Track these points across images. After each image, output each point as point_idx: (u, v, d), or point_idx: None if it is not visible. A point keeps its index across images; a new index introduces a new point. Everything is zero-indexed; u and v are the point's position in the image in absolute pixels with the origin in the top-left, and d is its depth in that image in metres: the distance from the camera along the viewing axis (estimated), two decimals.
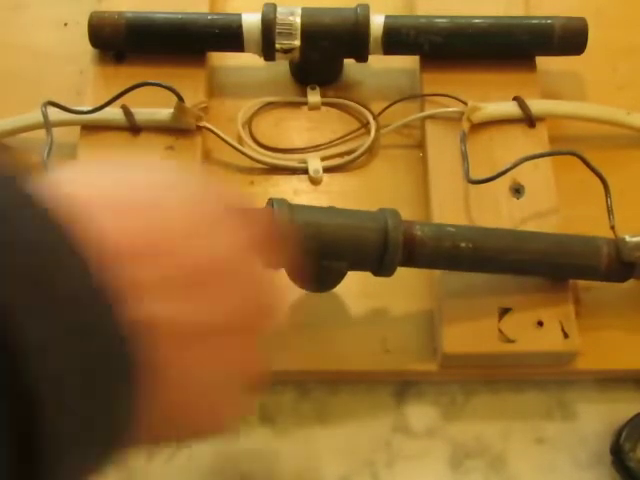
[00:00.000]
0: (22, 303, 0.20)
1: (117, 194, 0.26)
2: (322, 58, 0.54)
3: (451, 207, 0.49)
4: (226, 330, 0.27)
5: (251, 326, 0.29)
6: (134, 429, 0.24)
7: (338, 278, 0.44)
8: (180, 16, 0.54)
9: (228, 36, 0.54)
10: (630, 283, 0.46)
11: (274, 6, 0.53)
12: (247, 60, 0.56)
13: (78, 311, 0.21)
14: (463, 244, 0.44)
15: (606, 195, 0.46)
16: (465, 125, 0.51)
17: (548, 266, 0.45)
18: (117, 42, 0.54)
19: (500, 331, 0.45)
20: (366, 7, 0.53)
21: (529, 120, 0.52)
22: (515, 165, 0.47)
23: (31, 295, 0.20)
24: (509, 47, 0.54)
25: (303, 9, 0.53)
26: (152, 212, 0.26)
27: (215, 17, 0.55)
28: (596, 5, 0.57)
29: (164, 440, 0.28)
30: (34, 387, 0.20)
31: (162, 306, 0.25)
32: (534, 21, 0.54)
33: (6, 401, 0.20)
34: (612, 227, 0.45)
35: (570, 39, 0.53)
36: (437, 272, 0.47)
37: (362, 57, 0.54)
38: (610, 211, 0.46)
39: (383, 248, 0.43)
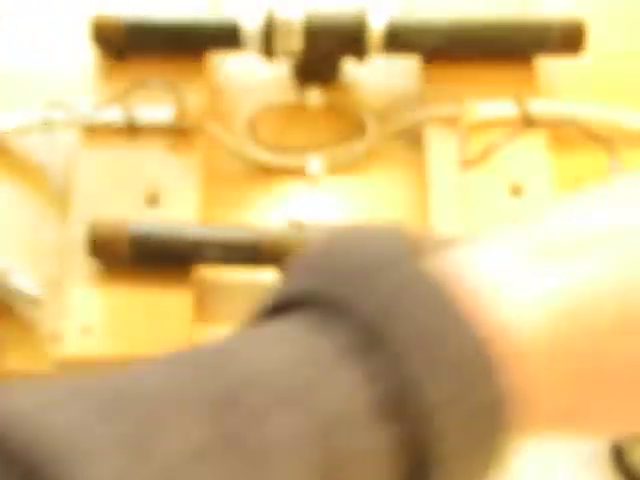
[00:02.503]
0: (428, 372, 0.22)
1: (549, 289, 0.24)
2: (322, 58, 0.54)
3: (451, 207, 0.49)
4: None
5: None
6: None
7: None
8: (180, 16, 0.54)
9: (228, 36, 0.54)
10: None
11: (274, 6, 0.53)
12: (247, 60, 0.56)
13: (480, 397, 0.23)
14: None
15: (612, 157, 0.46)
16: (464, 125, 0.51)
17: None
18: (117, 42, 0.54)
19: None
20: (366, 7, 0.53)
21: (528, 120, 0.52)
22: (508, 141, 0.47)
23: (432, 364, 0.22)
24: (509, 47, 0.54)
25: (303, 9, 0.53)
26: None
27: (215, 17, 0.55)
28: (596, 5, 0.56)
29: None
30: (439, 446, 0.22)
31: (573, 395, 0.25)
32: (534, 21, 0.54)
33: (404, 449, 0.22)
34: None
35: (570, 39, 0.53)
36: None
37: (362, 57, 0.54)
38: (616, 172, 0.46)
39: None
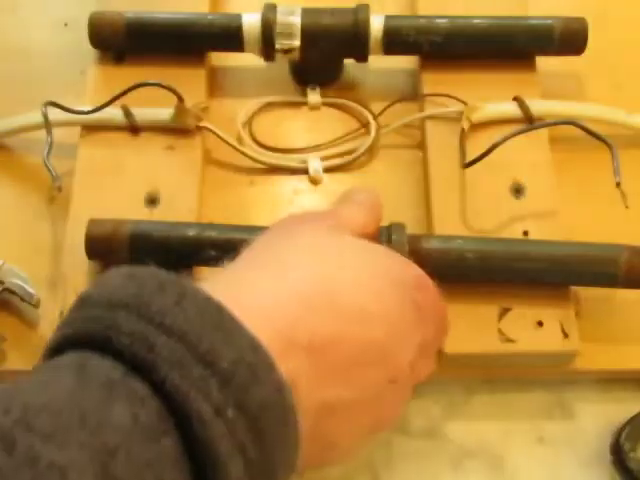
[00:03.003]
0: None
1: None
2: (322, 58, 0.54)
3: (451, 207, 0.49)
4: (373, 400, 0.33)
5: (401, 389, 0.35)
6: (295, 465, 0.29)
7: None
8: (180, 16, 0.54)
9: (228, 36, 0.54)
10: None
11: (274, 6, 0.53)
12: (247, 60, 0.56)
13: (254, 401, 0.26)
14: (470, 255, 0.44)
15: (612, 156, 0.46)
16: (465, 125, 0.51)
17: (558, 273, 0.45)
18: (117, 42, 0.54)
19: (500, 331, 0.45)
20: (366, 7, 0.53)
21: (529, 120, 0.52)
22: (504, 140, 0.47)
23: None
24: (509, 47, 0.54)
25: (303, 9, 0.53)
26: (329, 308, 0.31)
27: (215, 17, 0.55)
28: (596, 5, 0.56)
29: (303, 469, 0.32)
30: (214, 448, 0.25)
31: (325, 390, 0.31)
32: (534, 21, 0.54)
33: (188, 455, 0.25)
34: (618, 183, 0.45)
35: (570, 39, 0.53)
36: None
37: (362, 57, 0.54)
38: (617, 171, 0.46)
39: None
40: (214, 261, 0.46)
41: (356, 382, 0.32)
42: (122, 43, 0.54)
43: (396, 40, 0.53)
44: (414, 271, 0.36)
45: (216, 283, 0.31)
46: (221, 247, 0.45)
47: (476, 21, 0.53)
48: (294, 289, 0.31)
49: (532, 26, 0.53)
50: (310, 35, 0.53)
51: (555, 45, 0.53)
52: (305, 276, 0.32)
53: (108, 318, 0.27)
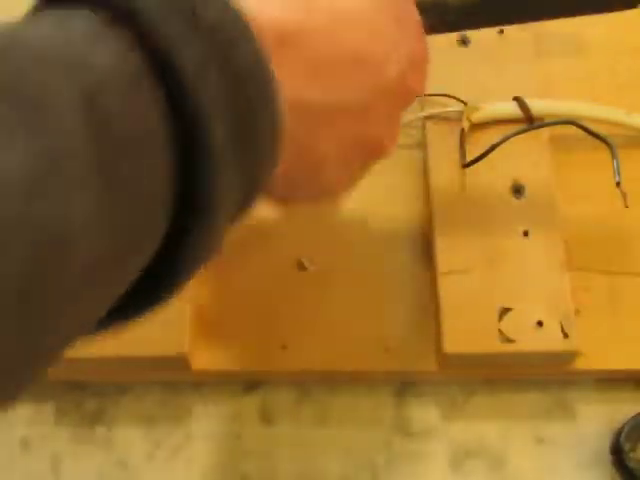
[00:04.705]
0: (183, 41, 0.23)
1: None
2: None
3: (451, 207, 0.49)
4: (357, 110, 0.31)
5: (392, 104, 0.33)
6: (268, 178, 0.27)
7: None
8: None
9: None
10: (630, 281, 0.46)
11: None
12: None
13: (238, 58, 0.25)
14: None
15: (612, 156, 0.46)
16: (465, 125, 0.51)
17: None
18: None
19: (500, 331, 0.45)
20: None
21: (529, 120, 0.52)
22: (504, 140, 0.48)
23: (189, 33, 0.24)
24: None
25: None
26: None
27: None
28: None
29: (287, 200, 0.30)
30: (196, 100, 0.23)
31: (298, 88, 0.28)
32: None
33: (171, 114, 0.23)
34: (618, 183, 0.45)
35: None
36: (437, 272, 0.47)
37: None
38: (617, 171, 0.46)
39: None
40: None
41: (333, 85, 0.30)
42: None
43: None
44: None
45: None
46: None
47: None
48: None
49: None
50: None
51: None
52: None
53: None
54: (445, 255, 0.47)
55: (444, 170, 0.51)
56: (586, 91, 0.56)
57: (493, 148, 0.48)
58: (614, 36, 0.54)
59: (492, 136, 0.49)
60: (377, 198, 0.52)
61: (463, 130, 0.51)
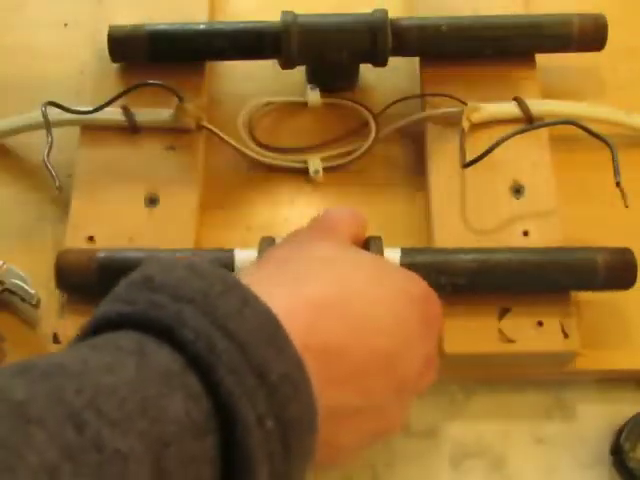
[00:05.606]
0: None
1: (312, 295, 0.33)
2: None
3: (451, 207, 0.49)
4: (379, 409, 0.34)
5: (408, 397, 0.36)
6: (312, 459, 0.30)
7: (341, 70, 0.53)
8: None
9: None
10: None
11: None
12: (247, 60, 0.56)
13: (293, 412, 0.28)
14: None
15: (612, 156, 0.46)
16: (465, 125, 0.51)
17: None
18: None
19: (500, 331, 0.45)
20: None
21: (529, 120, 0.52)
22: (504, 139, 0.48)
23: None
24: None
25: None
26: (343, 312, 0.33)
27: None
28: (596, 5, 0.56)
29: (317, 466, 0.33)
30: (250, 452, 0.27)
31: (334, 396, 0.32)
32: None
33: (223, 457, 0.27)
34: (617, 183, 0.45)
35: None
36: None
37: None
38: (617, 171, 0.46)
39: (374, 34, 0.50)
40: None
41: (363, 390, 0.33)
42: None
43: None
44: (422, 285, 0.37)
45: None
46: None
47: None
48: (309, 299, 0.32)
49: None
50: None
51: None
52: (319, 287, 0.33)
53: (173, 309, 0.28)
54: None
55: (444, 170, 0.51)
56: (586, 91, 0.56)
57: (493, 148, 0.48)
58: (614, 36, 0.54)
59: (492, 136, 0.49)
60: (377, 198, 0.52)
61: (463, 130, 0.51)
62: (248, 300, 0.29)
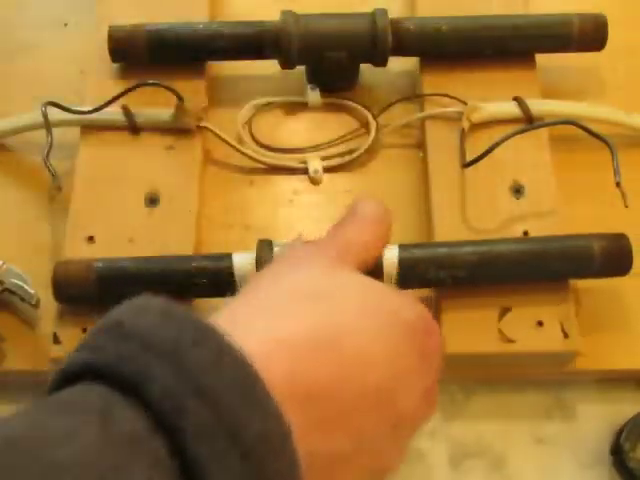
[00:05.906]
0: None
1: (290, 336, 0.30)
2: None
3: (451, 207, 0.49)
4: (375, 450, 0.32)
5: (405, 435, 0.33)
6: None
7: (341, 70, 0.53)
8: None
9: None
10: (630, 282, 0.46)
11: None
12: (247, 61, 0.56)
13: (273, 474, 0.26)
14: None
15: (612, 156, 0.46)
16: (465, 125, 0.51)
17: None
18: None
19: (500, 331, 0.45)
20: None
21: (529, 120, 0.52)
22: (504, 139, 0.48)
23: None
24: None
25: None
26: (325, 355, 0.30)
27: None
28: (596, 5, 0.56)
29: None
30: None
31: (323, 442, 0.30)
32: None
33: None
34: (617, 183, 0.45)
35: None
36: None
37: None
38: (617, 171, 0.46)
39: (374, 34, 0.51)
40: None
41: (355, 431, 0.30)
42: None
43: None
44: (422, 313, 0.35)
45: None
46: None
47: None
48: (290, 340, 0.30)
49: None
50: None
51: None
52: (302, 326, 0.31)
53: (141, 362, 0.26)
54: None
55: (444, 170, 0.51)
56: (586, 91, 0.56)
57: (493, 148, 0.48)
58: (614, 36, 0.54)
59: (492, 136, 0.49)
60: (377, 198, 0.52)
61: (463, 130, 0.51)
62: (222, 351, 0.26)
